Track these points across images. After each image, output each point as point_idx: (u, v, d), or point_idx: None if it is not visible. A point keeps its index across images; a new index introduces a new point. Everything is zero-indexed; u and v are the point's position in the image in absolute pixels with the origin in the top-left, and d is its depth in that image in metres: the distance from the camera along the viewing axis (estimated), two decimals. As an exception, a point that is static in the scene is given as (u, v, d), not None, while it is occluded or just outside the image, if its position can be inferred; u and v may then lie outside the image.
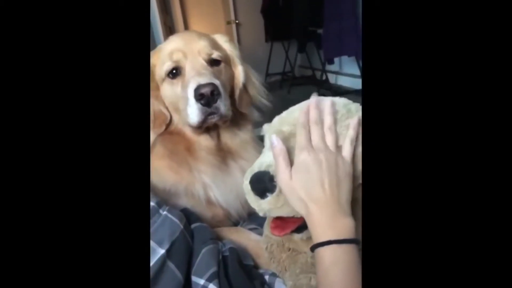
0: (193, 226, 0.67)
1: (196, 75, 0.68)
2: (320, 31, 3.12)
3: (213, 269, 0.58)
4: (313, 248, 0.45)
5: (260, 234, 0.73)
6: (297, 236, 0.56)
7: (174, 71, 0.72)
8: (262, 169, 0.51)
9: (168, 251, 0.57)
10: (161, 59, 0.74)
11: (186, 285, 0.58)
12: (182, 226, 0.62)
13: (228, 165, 0.78)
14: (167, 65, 0.72)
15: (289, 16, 3.49)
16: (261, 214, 0.52)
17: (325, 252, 0.43)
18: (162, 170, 0.75)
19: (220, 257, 0.62)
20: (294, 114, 0.55)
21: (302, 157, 0.47)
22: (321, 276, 0.43)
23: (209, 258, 0.60)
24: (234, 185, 0.76)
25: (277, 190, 0.49)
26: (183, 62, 0.72)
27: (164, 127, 0.74)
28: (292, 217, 0.52)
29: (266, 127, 0.58)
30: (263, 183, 0.50)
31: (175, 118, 0.76)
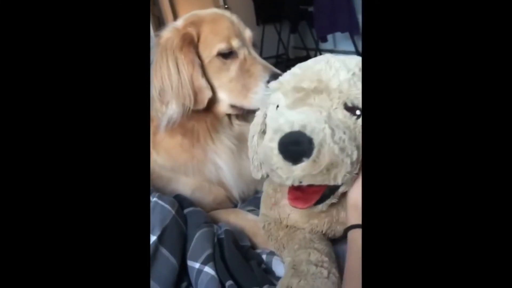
0: (186, 211, 0.66)
1: (264, 66, 0.74)
2: (311, 9, 3.04)
3: (208, 251, 0.57)
4: (353, 227, 0.47)
5: (258, 215, 0.71)
6: (317, 208, 0.50)
7: (227, 53, 0.74)
8: (296, 129, 0.43)
9: (160, 237, 0.56)
10: (208, 34, 0.74)
11: (182, 270, 0.57)
12: (173, 212, 0.60)
13: (240, 152, 0.79)
14: (223, 47, 0.73)
15: (279, -4, 3.40)
16: (288, 182, 0.44)
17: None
18: (173, 149, 0.76)
19: (216, 239, 0.60)
20: (314, 69, 0.49)
21: None
22: (354, 254, 0.45)
23: (204, 241, 0.58)
24: (243, 169, 0.79)
25: (314, 153, 0.42)
26: (238, 48, 0.75)
27: (205, 104, 0.73)
28: (312, 186, 0.46)
29: (275, 85, 0.53)
30: (300, 146, 0.42)
31: (218, 96, 0.76)
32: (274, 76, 0.71)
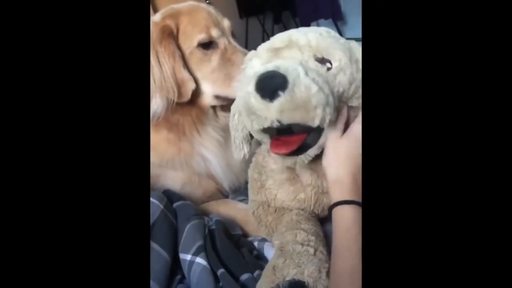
0: (175, 205, 0.66)
1: (245, 53, 0.72)
2: (293, -2, 3.03)
3: (199, 243, 0.57)
4: (338, 204, 0.47)
5: (249, 204, 0.71)
6: (300, 158, 0.51)
7: (208, 43, 0.74)
8: (270, 69, 0.45)
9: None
10: (186, 26, 0.73)
11: (174, 264, 0.57)
12: (162, 206, 0.60)
13: (227, 143, 0.78)
14: (203, 38, 0.73)
15: (260, -13, 3.37)
16: (266, 123, 0.45)
17: (349, 210, 0.45)
18: (158, 144, 0.75)
19: (207, 231, 0.60)
20: (285, 34, 0.53)
21: (359, 127, 0.49)
22: (342, 231, 0.45)
23: (194, 233, 0.58)
24: (232, 161, 0.79)
25: (289, 87, 0.42)
26: (218, 38, 0.74)
27: (189, 96, 0.73)
28: (292, 136, 0.48)
29: (251, 54, 0.56)
30: (275, 79, 0.43)
31: (201, 88, 0.76)
32: None
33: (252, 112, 0.45)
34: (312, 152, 0.50)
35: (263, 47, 0.54)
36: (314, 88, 0.44)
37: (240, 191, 0.84)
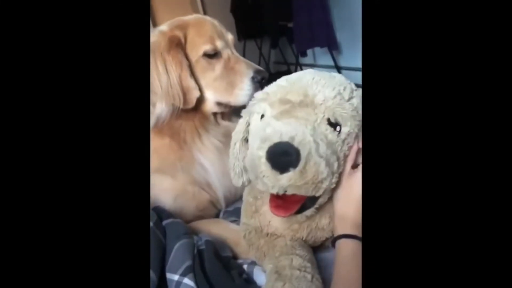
0: (165, 222, 0.64)
1: (247, 64, 0.79)
2: (290, 25, 3.12)
3: (187, 263, 0.55)
4: (340, 237, 0.50)
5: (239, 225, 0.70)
6: (296, 218, 0.52)
7: (212, 53, 0.78)
8: (284, 139, 0.44)
9: (137, 250, 0.54)
10: (194, 36, 0.77)
11: (161, 283, 0.55)
12: (152, 224, 0.59)
13: (227, 150, 0.77)
14: (208, 48, 0.77)
15: (259, 12, 3.48)
16: (273, 190, 0.45)
17: (350, 244, 0.48)
18: (161, 149, 0.77)
19: (196, 251, 0.59)
20: (300, 83, 0.50)
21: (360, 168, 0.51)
22: (342, 264, 0.48)
23: (183, 253, 0.57)
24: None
25: (301, 165, 0.43)
26: (222, 49, 0.79)
27: (194, 103, 0.76)
28: (294, 196, 0.47)
29: (261, 95, 0.54)
30: (289, 156, 0.43)
31: (204, 95, 0.79)
32: (258, 72, 0.77)
33: (259, 176, 0.45)
34: (309, 212, 0.51)
35: (276, 94, 0.51)
36: (323, 165, 0.44)
37: (231, 211, 0.83)
